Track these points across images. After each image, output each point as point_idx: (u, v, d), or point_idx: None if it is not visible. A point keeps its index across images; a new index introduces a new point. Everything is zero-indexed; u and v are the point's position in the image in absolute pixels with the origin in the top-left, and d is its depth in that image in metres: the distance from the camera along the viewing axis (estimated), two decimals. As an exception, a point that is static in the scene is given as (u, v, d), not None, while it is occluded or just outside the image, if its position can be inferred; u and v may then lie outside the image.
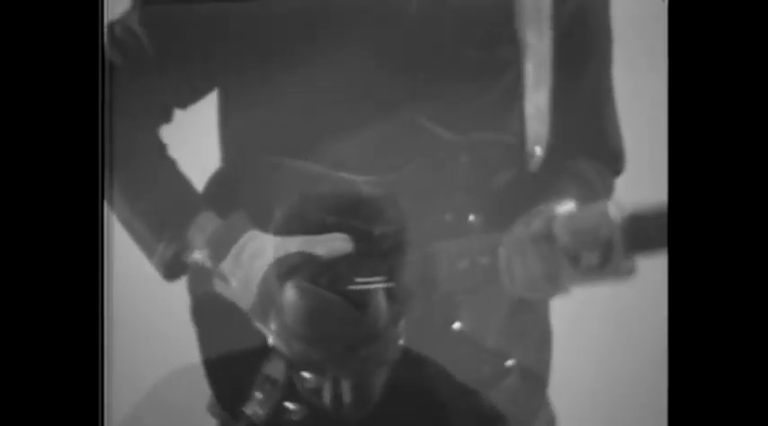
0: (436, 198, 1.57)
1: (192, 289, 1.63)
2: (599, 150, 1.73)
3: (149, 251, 1.62)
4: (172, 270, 1.61)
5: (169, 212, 1.59)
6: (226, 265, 1.46)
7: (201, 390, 1.63)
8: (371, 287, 1.45)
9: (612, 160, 1.75)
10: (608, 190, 1.69)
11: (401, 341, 1.42)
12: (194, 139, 1.71)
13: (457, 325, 1.58)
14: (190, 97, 1.67)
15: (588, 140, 1.70)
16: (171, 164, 1.66)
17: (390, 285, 1.47)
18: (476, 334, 1.59)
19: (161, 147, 1.67)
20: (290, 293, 1.40)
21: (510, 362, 1.60)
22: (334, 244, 1.41)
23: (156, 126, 1.67)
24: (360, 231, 1.43)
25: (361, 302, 1.40)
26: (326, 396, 1.39)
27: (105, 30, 1.62)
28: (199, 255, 1.52)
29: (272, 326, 1.42)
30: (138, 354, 3.23)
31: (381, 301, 1.41)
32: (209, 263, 1.51)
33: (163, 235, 1.58)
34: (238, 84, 1.59)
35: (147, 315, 3.21)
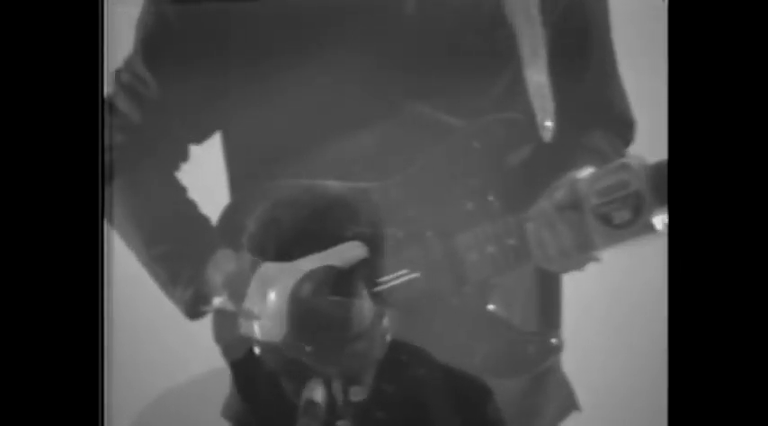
0: (454, 186, 1.57)
1: (220, 337, 1.61)
2: (608, 121, 1.73)
3: (169, 294, 1.61)
4: (193, 311, 1.60)
5: (185, 254, 1.59)
6: (249, 303, 1.43)
7: (210, 398, 1.63)
8: (398, 282, 1.46)
9: (624, 129, 1.75)
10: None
11: (388, 337, 1.42)
12: (203, 173, 1.70)
13: (491, 307, 1.58)
14: (202, 134, 1.66)
15: (596, 111, 1.71)
16: (186, 202, 1.65)
17: (416, 275, 1.48)
18: (511, 315, 1.59)
19: (177, 187, 1.66)
20: (272, 300, 1.39)
21: (554, 340, 1.60)
22: (350, 253, 1.41)
23: (171, 166, 1.67)
24: (334, 234, 1.43)
25: (344, 301, 1.40)
26: (319, 395, 1.39)
27: (111, 76, 1.63)
28: (219, 300, 1.51)
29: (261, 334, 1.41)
30: (139, 357, 3.23)
31: (365, 298, 1.41)
32: (231, 306, 1.50)
33: (180, 278, 1.58)
34: (242, 100, 1.59)
35: (148, 317, 3.21)
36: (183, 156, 1.69)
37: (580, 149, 1.66)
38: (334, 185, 1.51)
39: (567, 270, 1.59)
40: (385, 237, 1.48)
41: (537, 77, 1.60)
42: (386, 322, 1.41)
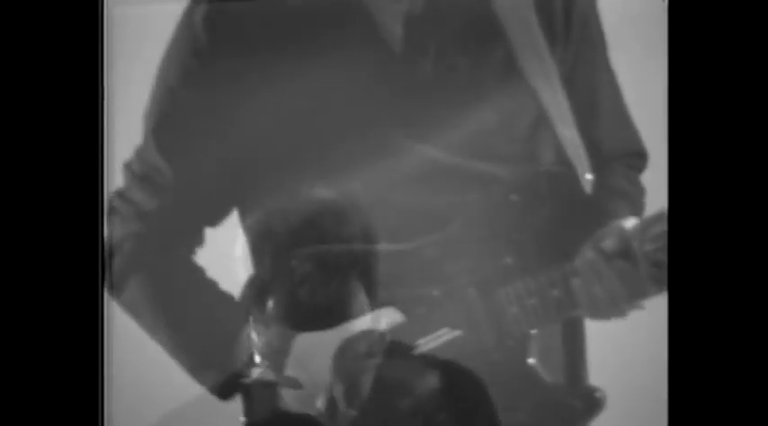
0: (493, 242, 1.56)
1: (252, 412, 1.59)
2: (624, 156, 1.73)
3: (200, 379, 1.60)
4: (227, 392, 1.59)
5: (215, 336, 1.57)
6: (291, 372, 1.42)
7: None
8: (439, 342, 1.46)
9: (638, 161, 1.74)
10: (642, 194, 1.69)
11: (387, 337, 1.42)
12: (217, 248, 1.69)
13: (532, 361, 1.58)
14: (217, 216, 1.65)
15: (614, 150, 1.70)
16: (207, 283, 1.63)
17: (456, 334, 1.48)
18: (550, 367, 1.59)
19: (195, 270, 1.65)
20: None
21: (599, 394, 1.60)
22: (387, 318, 1.40)
23: (188, 251, 1.65)
24: (328, 240, 1.42)
25: (341, 305, 1.40)
26: (320, 403, 1.38)
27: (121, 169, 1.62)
28: (258, 371, 1.49)
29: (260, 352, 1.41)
30: (138, 358, 3.23)
31: (362, 300, 1.41)
32: (270, 376, 1.48)
33: (212, 362, 1.57)
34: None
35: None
36: (200, 241, 1.67)
37: (605, 192, 1.65)
38: (321, 191, 1.50)
39: (610, 318, 1.58)
40: (377, 239, 1.47)
41: (567, 132, 1.60)
42: (385, 325, 1.41)
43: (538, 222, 1.57)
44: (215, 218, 1.65)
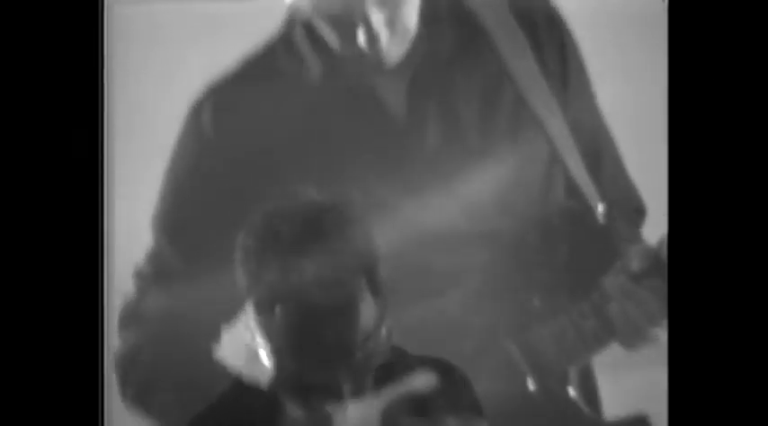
0: (516, 286, 1.56)
1: None
2: (624, 211, 1.72)
3: None
4: None
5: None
6: None
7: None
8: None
9: (638, 217, 1.74)
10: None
11: (392, 340, 1.42)
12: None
13: (572, 392, 1.58)
14: (233, 311, 1.63)
15: (615, 198, 1.70)
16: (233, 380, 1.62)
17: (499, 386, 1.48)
18: (587, 399, 1.59)
19: (218, 366, 1.62)
20: (278, 315, 1.39)
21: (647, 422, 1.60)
22: (423, 382, 1.40)
23: (207, 348, 1.63)
24: (332, 239, 1.42)
25: (346, 306, 1.40)
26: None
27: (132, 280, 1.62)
28: None
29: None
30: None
31: (370, 301, 1.41)
32: None
33: None
34: None
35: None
36: (216, 338, 1.66)
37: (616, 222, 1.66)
38: (316, 193, 1.50)
39: (646, 341, 1.58)
40: (374, 237, 1.47)
41: (576, 167, 1.60)
42: (388, 322, 1.41)
43: (557, 258, 1.57)
44: (231, 314, 1.62)
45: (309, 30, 1.54)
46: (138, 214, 3.31)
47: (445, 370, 1.49)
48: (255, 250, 1.37)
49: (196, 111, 1.60)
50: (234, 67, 1.58)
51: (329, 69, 1.54)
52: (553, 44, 1.62)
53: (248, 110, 1.55)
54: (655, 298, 1.51)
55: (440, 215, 1.54)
